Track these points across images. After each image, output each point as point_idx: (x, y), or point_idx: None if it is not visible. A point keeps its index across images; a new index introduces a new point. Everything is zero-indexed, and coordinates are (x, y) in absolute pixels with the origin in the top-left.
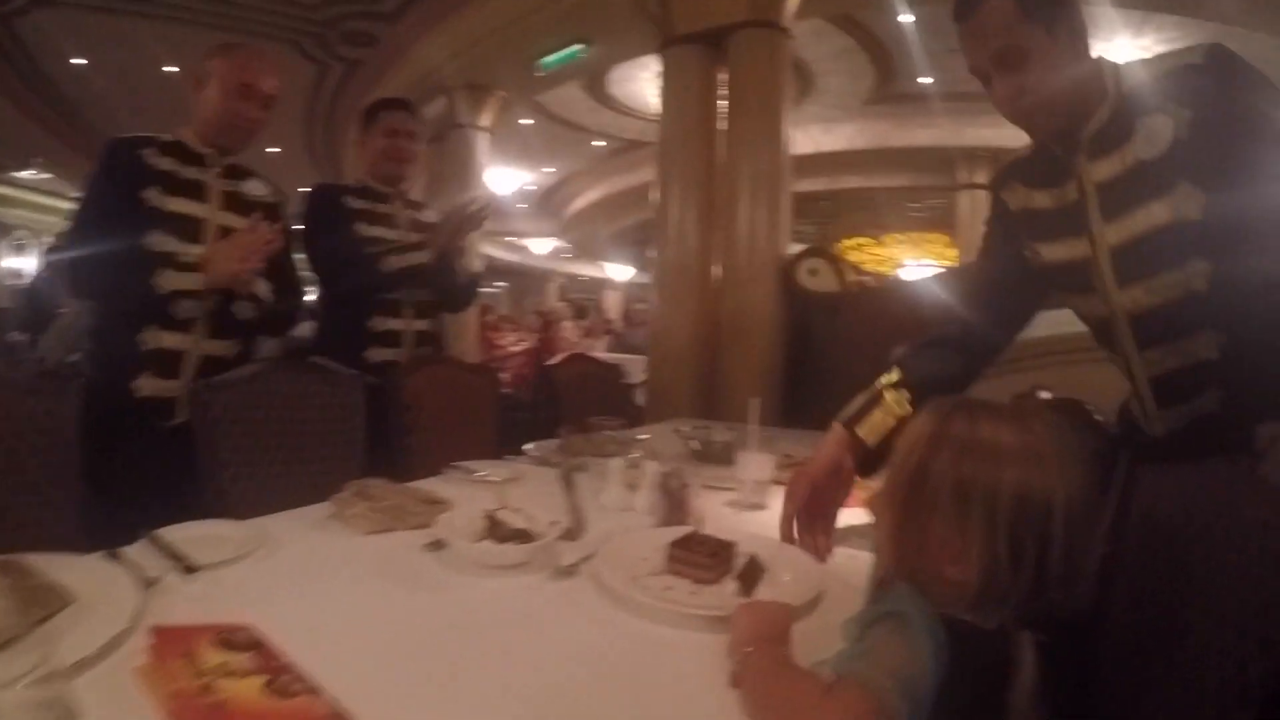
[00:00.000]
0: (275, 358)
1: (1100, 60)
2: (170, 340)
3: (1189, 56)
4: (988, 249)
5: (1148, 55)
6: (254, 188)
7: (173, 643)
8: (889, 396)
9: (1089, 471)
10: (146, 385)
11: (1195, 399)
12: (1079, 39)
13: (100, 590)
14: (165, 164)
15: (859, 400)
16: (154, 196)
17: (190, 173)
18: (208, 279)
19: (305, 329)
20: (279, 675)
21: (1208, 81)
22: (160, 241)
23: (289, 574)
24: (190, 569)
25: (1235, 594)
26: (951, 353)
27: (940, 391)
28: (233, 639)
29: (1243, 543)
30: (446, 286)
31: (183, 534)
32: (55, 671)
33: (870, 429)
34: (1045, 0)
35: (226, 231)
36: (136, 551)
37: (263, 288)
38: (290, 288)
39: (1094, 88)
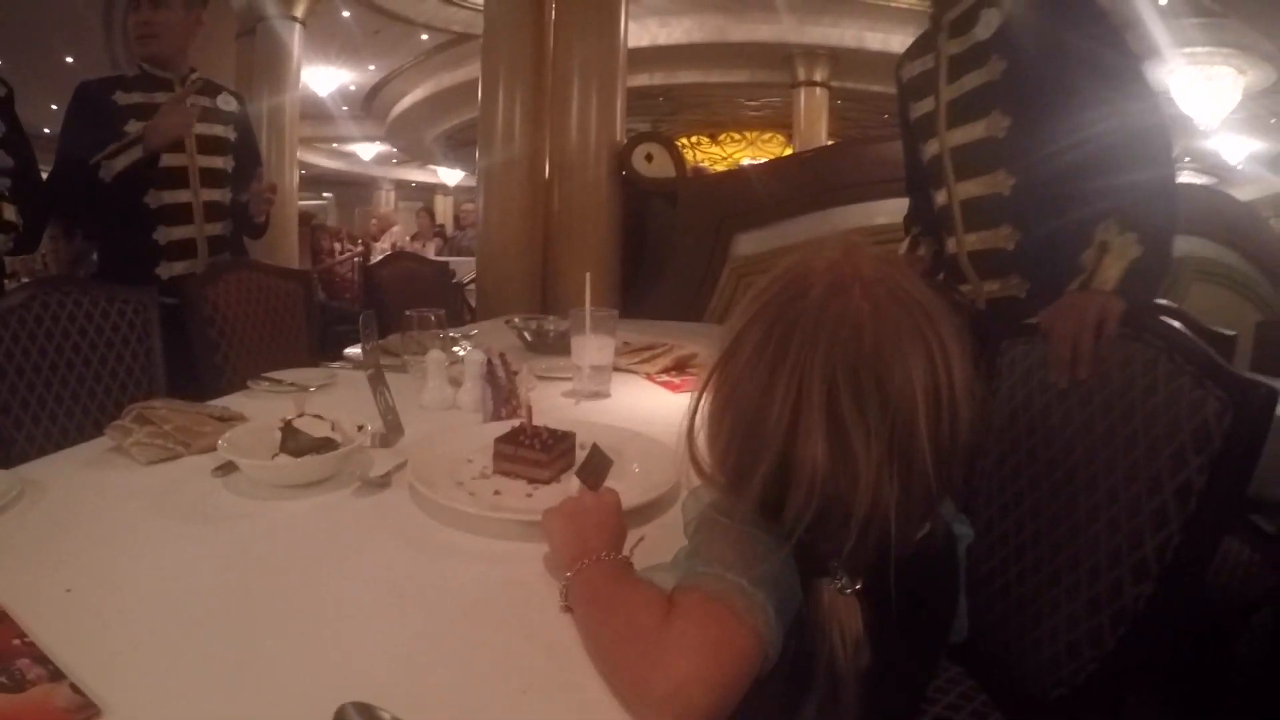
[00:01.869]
0: (44, 279)
1: None
2: None
3: None
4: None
5: None
6: None
7: None
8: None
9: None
10: None
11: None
12: None
13: None
14: None
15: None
16: None
17: None
18: None
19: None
20: (12, 662)
21: None
22: None
23: (51, 526)
24: None
25: (1121, 463)
26: None
27: None
28: None
29: (1126, 409)
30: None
31: None
32: None
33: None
34: None
35: None
36: None
37: (9, 211)
38: (35, 193)
39: None
